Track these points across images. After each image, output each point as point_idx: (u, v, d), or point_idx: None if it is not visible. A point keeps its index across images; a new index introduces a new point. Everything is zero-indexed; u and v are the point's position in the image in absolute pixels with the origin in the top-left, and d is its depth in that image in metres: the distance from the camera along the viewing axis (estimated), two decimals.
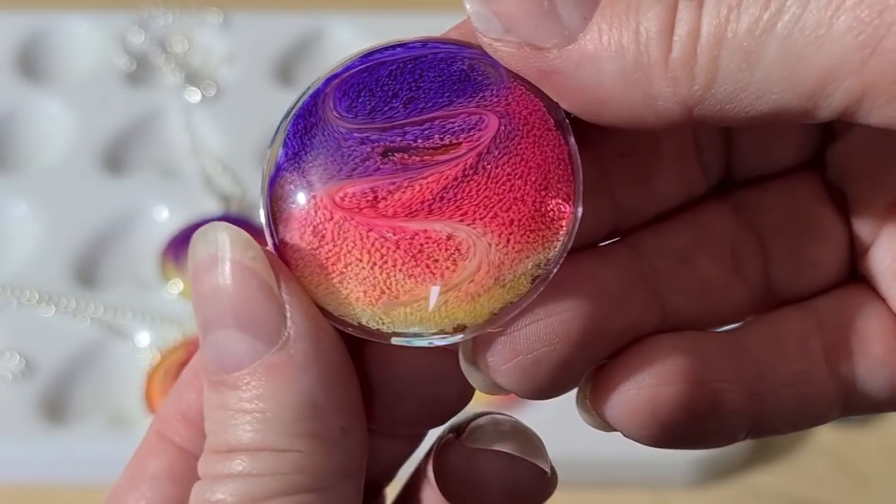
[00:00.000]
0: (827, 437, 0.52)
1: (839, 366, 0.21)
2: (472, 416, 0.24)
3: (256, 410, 0.19)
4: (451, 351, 0.21)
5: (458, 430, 0.24)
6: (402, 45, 0.20)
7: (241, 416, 0.19)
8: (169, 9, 0.70)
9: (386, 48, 0.20)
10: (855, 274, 0.23)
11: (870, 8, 0.16)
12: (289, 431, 0.19)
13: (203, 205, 0.59)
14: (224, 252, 0.19)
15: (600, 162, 0.21)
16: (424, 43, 0.20)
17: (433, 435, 0.25)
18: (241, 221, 0.58)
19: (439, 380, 0.22)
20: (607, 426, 0.22)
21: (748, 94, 0.17)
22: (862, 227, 0.22)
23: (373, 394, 0.22)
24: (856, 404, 0.22)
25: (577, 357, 0.20)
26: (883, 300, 0.22)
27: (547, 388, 0.21)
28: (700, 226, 0.22)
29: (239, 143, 0.62)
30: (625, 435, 0.22)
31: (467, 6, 0.19)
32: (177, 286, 0.55)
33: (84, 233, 0.57)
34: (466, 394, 0.23)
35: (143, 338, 0.54)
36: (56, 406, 0.51)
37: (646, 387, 0.21)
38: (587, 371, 0.21)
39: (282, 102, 0.68)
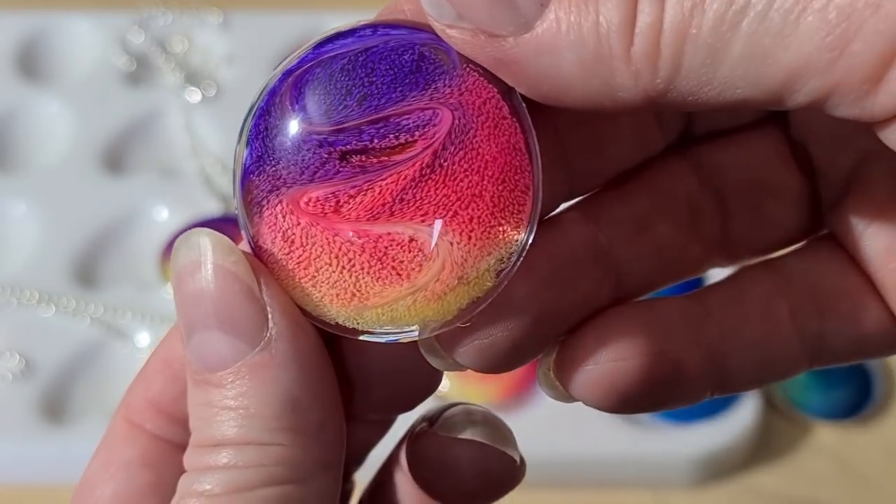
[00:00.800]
0: (827, 437, 0.52)
1: (805, 323, 0.22)
2: (444, 407, 0.25)
3: (240, 407, 0.20)
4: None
5: (430, 420, 0.24)
6: (353, 31, 0.19)
7: (226, 412, 0.20)
8: (169, 9, 0.70)
9: (337, 37, 0.20)
10: (819, 230, 0.23)
11: (838, 10, 0.16)
12: (271, 427, 0.20)
13: (203, 205, 0.59)
14: (206, 257, 0.20)
15: (555, 127, 0.21)
16: (375, 29, 0.19)
17: (402, 423, 0.26)
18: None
19: (411, 365, 0.23)
20: (570, 398, 0.22)
21: (712, 87, 0.17)
22: (827, 185, 0.22)
23: (348, 380, 0.23)
24: (823, 359, 0.22)
25: (532, 337, 0.21)
26: (850, 256, 0.22)
27: (504, 366, 0.21)
28: (658, 188, 0.22)
29: None
30: (586, 404, 0.22)
31: None
32: None
33: (84, 233, 0.57)
34: (435, 378, 0.24)
35: (143, 338, 0.54)
36: (56, 406, 0.51)
37: (603, 362, 0.21)
38: (546, 346, 0.22)
39: None
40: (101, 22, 0.69)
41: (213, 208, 0.59)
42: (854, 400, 0.53)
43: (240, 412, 0.20)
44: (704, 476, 0.50)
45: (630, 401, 0.22)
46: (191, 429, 0.21)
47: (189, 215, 0.58)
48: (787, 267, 0.22)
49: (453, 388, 0.50)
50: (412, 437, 0.25)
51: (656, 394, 0.22)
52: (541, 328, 0.21)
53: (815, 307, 0.22)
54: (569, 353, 0.22)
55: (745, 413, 0.50)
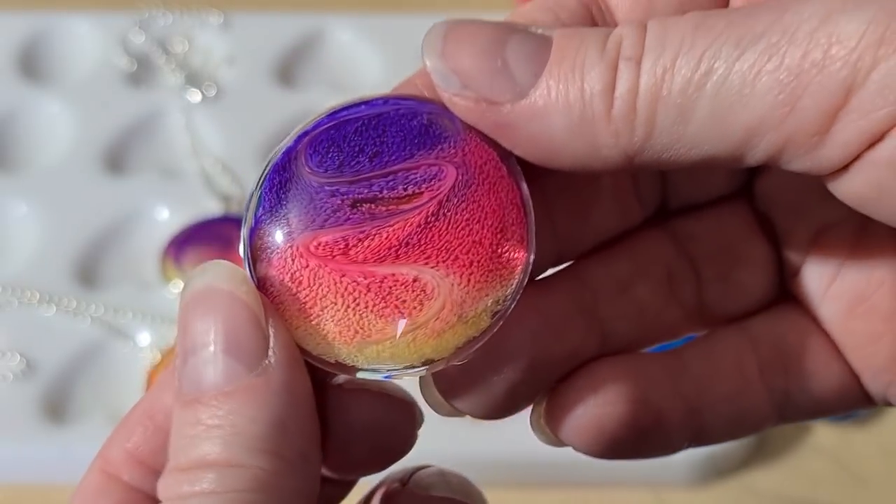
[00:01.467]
0: (826, 437, 0.53)
1: (773, 380, 0.23)
2: (413, 468, 0.25)
3: (228, 425, 0.20)
4: (403, 400, 0.23)
5: (402, 481, 0.25)
6: (366, 102, 0.21)
7: (214, 430, 0.20)
8: (169, 10, 0.70)
9: (351, 106, 0.21)
10: (786, 294, 0.24)
11: (788, 71, 0.18)
12: (255, 447, 0.20)
13: (203, 205, 0.59)
14: (220, 284, 0.21)
15: (545, 197, 0.23)
16: (385, 100, 0.21)
17: (363, 485, 0.26)
18: (241, 221, 0.58)
19: (390, 427, 0.23)
20: (560, 443, 0.23)
21: (682, 144, 0.19)
22: (790, 253, 0.24)
23: (328, 436, 0.23)
24: (790, 414, 0.24)
25: (525, 383, 0.23)
26: (812, 318, 0.24)
27: (500, 411, 0.23)
28: (638, 254, 0.24)
29: (239, 144, 0.62)
30: (575, 450, 0.23)
31: (427, 63, 0.20)
32: (177, 286, 0.55)
33: (85, 233, 0.57)
34: (411, 441, 0.24)
35: (144, 337, 0.54)
36: (57, 406, 0.51)
37: (591, 408, 0.23)
38: (538, 394, 0.23)
39: (282, 103, 0.69)
40: (102, 22, 0.69)
41: (213, 208, 0.59)
42: None
43: (227, 430, 0.20)
44: (704, 475, 0.51)
45: (615, 447, 0.23)
46: (170, 454, 0.21)
47: (190, 215, 0.58)
48: (756, 327, 0.24)
49: None
50: (387, 496, 0.25)
51: (640, 441, 0.23)
52: (533, 375, 0.23)
53: (781, 365, 0.23)
54: (558, 400, 0.23)
55: None
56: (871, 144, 0.18)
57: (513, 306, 0.21)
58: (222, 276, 0.21)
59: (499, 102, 0.20)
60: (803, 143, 0.18)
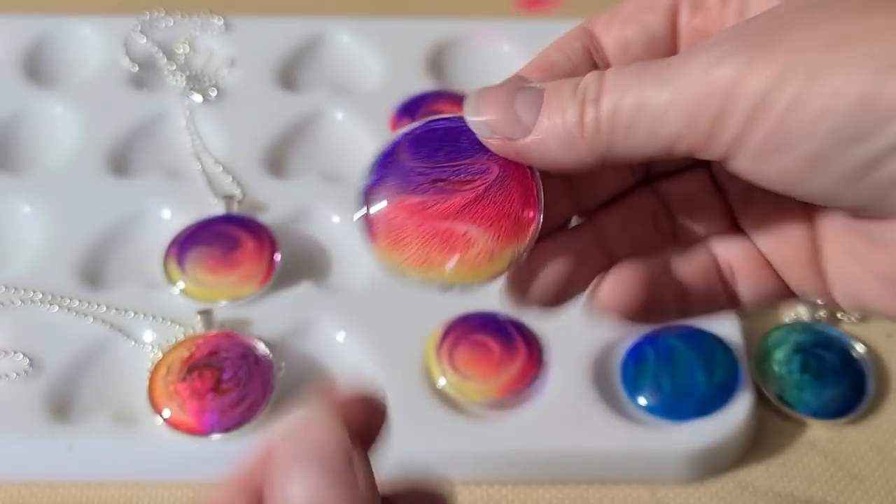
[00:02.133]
0: (820, 434, 0.53)
1: (727, 282, 0.34)
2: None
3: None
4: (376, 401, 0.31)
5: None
6: (446, 118, 0.32)
7: None
8: (171, 13, 0.71)
9: (438, 119, 0.32)
10: (737, 227, 0.34)
11: (689, 101, 0.27)
12: None
13: (206, 205, 0.60)
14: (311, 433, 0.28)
15: (566, 176, 0.32)
16: (460, 118, 0.31)
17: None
18: (243, 221, 0.58)
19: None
20: (605, 317, 0.33)
21: (632, 150, 0.29)
22: (734, 202, 0.34)
23: None
24: (741, 305, 0.34)
25: (570, 284, 0.33)
26: (753, 244, 0.34)
27: (558, 300, 0.32)
28: (632, 205, 0.34)
29: (240, 145, 0.63)
30: (610, 320, 0.33)
31: (468, 119, 0.30)
32: (180, 286, 0.56)
33: (88, 233, 0.58)
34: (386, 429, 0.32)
35: (147, 336, 0.54)
36: (61, 404, 0.52)
37: (617, 288, 0.33)
38: (579, 291, 0.33)
39: (282, 105, 0.69)
40: (105, 26, 0.69)
41: (215, 208, 0.59)
42: (846, 399, 0.54)
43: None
44: (699, 472, 0.51)
45: (636, 315, 0.33)
46: None
47: (192, 215, 0.59)
48: (715, 249, 0.34)
49: (450, 386, 0.51)
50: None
51: (650, 305, 0.33)
52: (575, 279, 0.32)
53: (731, 272, 0.34)
54: (595, 291, 0.33)
55: (738, 411, 0.51)
56: (739, 141, 0.27)
57: (524, 256, 0.31)
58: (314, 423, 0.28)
59: (515, 139, 0.30)
60: (702, 146, 0.27)
